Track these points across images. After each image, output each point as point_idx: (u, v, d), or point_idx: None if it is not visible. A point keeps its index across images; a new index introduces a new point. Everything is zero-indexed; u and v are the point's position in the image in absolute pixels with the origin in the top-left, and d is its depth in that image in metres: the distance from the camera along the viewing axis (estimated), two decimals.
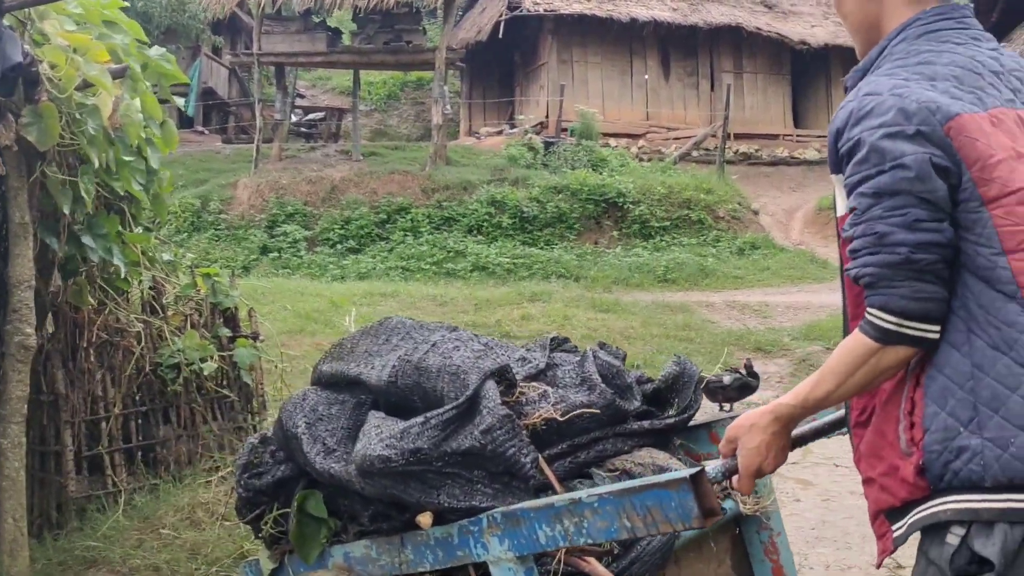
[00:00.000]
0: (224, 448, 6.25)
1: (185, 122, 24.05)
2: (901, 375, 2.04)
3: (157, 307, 6.20)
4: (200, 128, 25.27)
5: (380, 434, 2.86)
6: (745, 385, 9.26)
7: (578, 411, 2.94)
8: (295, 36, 20.52)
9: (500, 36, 24.68)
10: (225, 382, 6.46)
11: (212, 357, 6.18)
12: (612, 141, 23.75)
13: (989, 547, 1.89)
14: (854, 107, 2.04)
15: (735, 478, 2.33)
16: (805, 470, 7.12)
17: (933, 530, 1.99)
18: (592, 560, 2.75)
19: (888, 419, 2.07)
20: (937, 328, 1.97)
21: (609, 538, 2.52)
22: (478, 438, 2.73)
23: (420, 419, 2.83)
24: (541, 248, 17.75)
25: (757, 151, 25.30)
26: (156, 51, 5.74)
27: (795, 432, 2.36)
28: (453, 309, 12.36)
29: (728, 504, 3.15)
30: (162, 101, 5.80)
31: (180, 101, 6.81)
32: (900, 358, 2.00)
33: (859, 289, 2.06)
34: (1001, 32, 9.20)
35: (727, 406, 9.33)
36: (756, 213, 20.93)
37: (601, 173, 20.15)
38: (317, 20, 21.09)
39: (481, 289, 14.32)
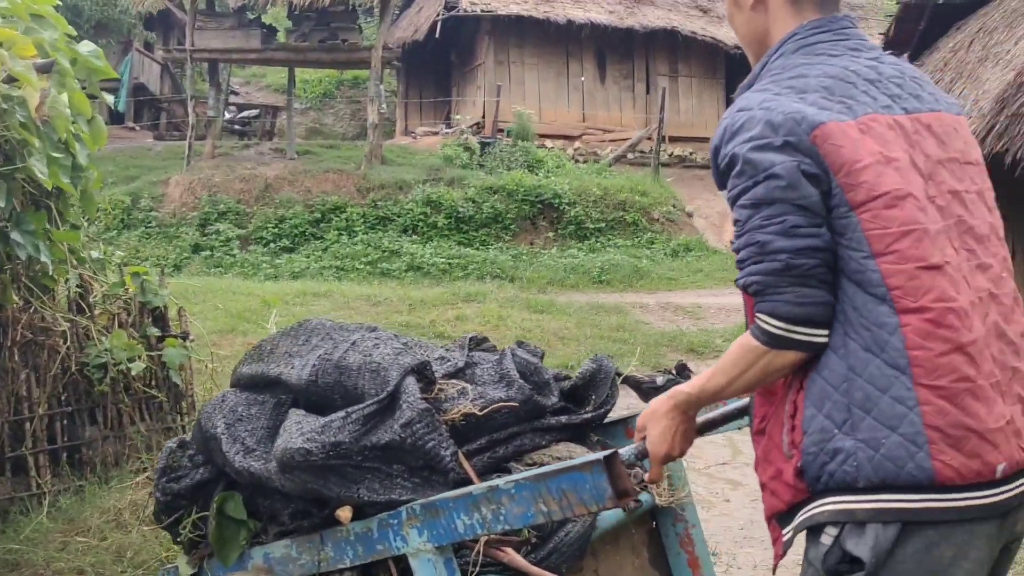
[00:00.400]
0: (152, 449, 6.16)
1: (115, 118, 23.70)
2: (788, 384, 2.09)
3: (84, 306, 6.09)
4: (131, 124, 24.92)
5: (301, 429, 2.86)
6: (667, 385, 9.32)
7: (496, 406, 2.98)
8: (229, 32, 20.31)
9: (437, 36, 24.64)
10: (154, 382, 6.36)
11: (140, 357, 6.08)
12: (548, 142, 23.80)
13: (860, 546, 1.93)
14: (728, 123, 2.07)
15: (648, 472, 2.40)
16: (735, 470, 7.19)
17: (812, 531, 2.03)
18: (510, 551, 2.78)
19: (776, 423, 2.11)
20: (824, 332, 2.00)
21: (525, 523, 2.56)
22: (398, 432, 2.76)
23: (341, 414, 2.84)
24: (476, 248, 17.74)
25: (692, 154, 25.49)
26: (86, 46, 5.64)
27: (702, 418, 2.42)
28: (387, 309, 12.31)
29: (644, 497, 3.19)
30: (91, 97, 5.71)
31: (110, 98, 6.70)
32: (789, 361, 2.03)
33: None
34: (928, 40, 9.36)
35: None
36: (690, 215, 21.11)
37: (537, 174, 20.20)
38: (252, 17, 20.90)
39: (416, 289, 14.27)
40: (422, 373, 2.99)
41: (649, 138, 24.26)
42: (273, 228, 17.76)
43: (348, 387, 3.00)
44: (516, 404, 3.02)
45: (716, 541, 5.49)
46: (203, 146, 20.70)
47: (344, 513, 2.84)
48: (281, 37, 21.81)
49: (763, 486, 2.16)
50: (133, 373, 6.02)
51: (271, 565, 3.02)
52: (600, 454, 2.36)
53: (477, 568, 2.73)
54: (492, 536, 2.72)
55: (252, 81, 32.99)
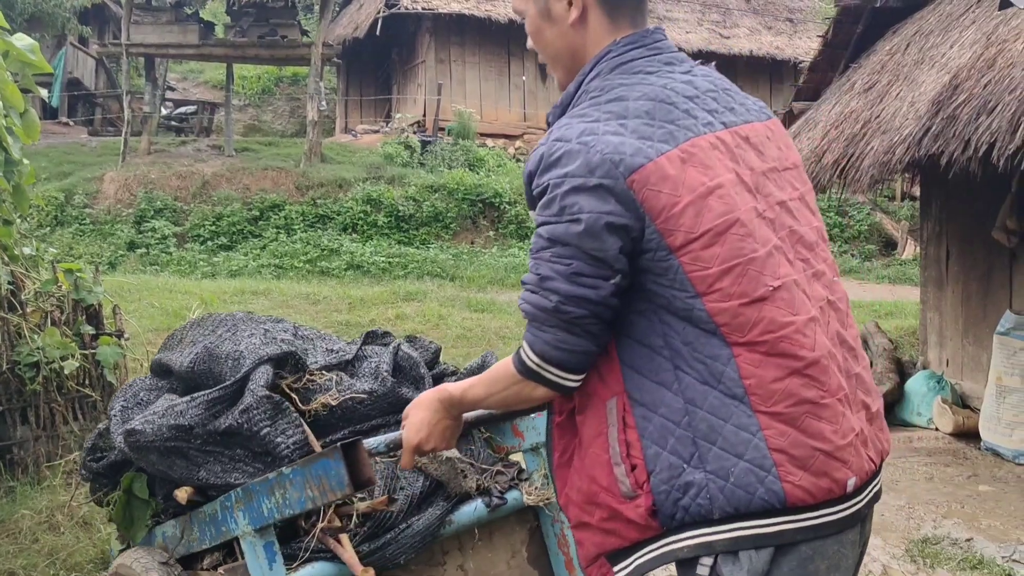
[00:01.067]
0: None
1: (49, 113, 23.32)
2: (602, 422, 2.03)
3: (16, 303, 5.97)
4: (65, 120, 24.53)
5: (149, 411, 3.01)
6: None
7: (347, 396, 3.07)
8: (166, 27, 20.05)
9: (378, 33, 24.51)
10: (87, 381, 6.26)
11: (74, 355, 5.97)
12: (489, 141, 23.80)
13: (737, 573, 1.91)
14: (544, 152, 2.02)
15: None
16: None
17: (684, 564, 1.98)
18: (344, 540, 2.83)
19: (597, 464, 2.04)
20: (576, 378, 2.01)
21: (302, 508, 2.63)
22: (236, 418, 2.86)
23: (187, 398, 2.96)
24: (417, 247, 17.68)
25: None
26: (20, 40, 5.52)
27: (472, 415, 2.42)
28: (327, 308, 12.22)
29: (514, 495, 3.20)
30: (24, 90, 5.60)
31: (43, 91, 6.57)
32: (540, 395, 2.05)
33: None
34: (866, 43, 9.46)
35: None
36: None
37: (478, 173, 20.18)
38: (189, 11, 20.66)
39: (355, 288, 14.19)
40: (287, 363, 3.10)
41: None
42: (211, 226, 17.56)
43: (216, 374, 3.11)
44: (364, 396, 3.08)
45: None
46: (139, 142, 20.42)
47: (181, 493, 2.94)
48: (219, 32, 21.58)
49: (584, 526, 2.10)
50: (66, 372, 5.91)
51: (167, 543, 3.13)
52: (342, 442, 2.45)
53: (307, 553, 2.81)
54: (325, 524, 2.82)
55: (189, 77, 32.62)
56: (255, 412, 2.87)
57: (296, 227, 17.71)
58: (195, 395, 2.96)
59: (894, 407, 8.47)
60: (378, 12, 24.44)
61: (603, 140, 1.93)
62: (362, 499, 2.91)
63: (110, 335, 6.46)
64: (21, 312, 5.96)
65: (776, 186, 2.05)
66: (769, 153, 2.08)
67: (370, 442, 2.52)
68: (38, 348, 5.82)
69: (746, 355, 1.89)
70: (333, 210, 18.19)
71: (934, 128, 6.77)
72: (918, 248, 15.66)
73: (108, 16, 27.34)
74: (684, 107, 2.01)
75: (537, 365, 2.01)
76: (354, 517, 2.89)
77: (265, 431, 2.86)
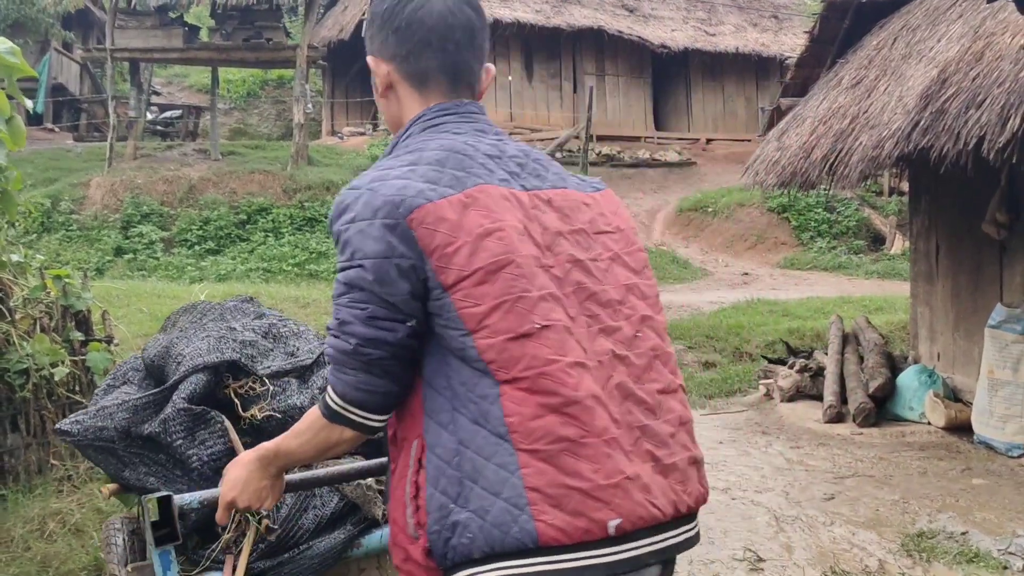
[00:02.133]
0: (76, 456, 6.02)
1: (34, 119, 23.22)
2: (406, 464, 2.06)
3: (4, 310, 5.92)
4: (50, 125, 24.44)
5: (92, 407, 3.10)
6: None
7: (267, 413, 3.09)
8: (150, 31, 20.00)
9: (363, 35, 24.47)
10: (78, 387, 6.21)
11: (63, 362, 5.93)
12: None
13: None
14: (339, 200, 2.07)
15: None
16: None
17: None
18: (243, 554, 2.83)
19: (397, 505, 2.08)
20: (379, 418, 2.06)
21: None
22: (155, 427, 2.92)
23: (119, 401, 3.02)
24: None
25: (619, 153, 25.63)
26: (1, 44, 5.48)
27: (295, 476, 2.48)
28: (316, 310, 12.18)
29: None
30: (8, 97, 5.55)
31: (28, 103, 6.53)
32: (347, 437, 2.09)
33: None
34: (853, 38, 9.47)
35: None
36: None
37: None
38: (174, 15, 20.59)
39: None
40: (230, 369, 3.15)
41: (577, 137, 24.33)
42: (198, 230, 17.52)
43: (165, 372, 3.17)
44: (279, 415, 3.07)
45: None
46: (125, 147, 20.36)
47: (104, 490, 3.04)
48: (204, 36, 21.53)
49: (396, 566, 2.11)
50: (56, 378, 5.87)
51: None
52: (157, 495, 2.47)
53: (207, 563, 2.83)
54: (229, 536, 2.85)
55: (174, 81, 32.53)
56: (172, 424, 2.91)
57: (284, 230, 17.68)
58: (127, 399, 3.03)
59: (886, 402, 8.48)
60: (363, 13, 24.40)
61: (388, 184, 1.99)
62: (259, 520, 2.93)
63: (100, 341, 6.42)
64: (10, 319, 5.92)
65: (575, 246, 2.09)
66: (578, 217, 2.13)
67: (183, 498, 2.55)
68: (27, 355, 5.78)
69: (510, 393, 1.91)
70: (321, 213, 18.15)
71: (923, 122, 6.78)
72: (907, 243, 15.69)
73: (92, 21, 27.24)
74: (481, 161, 2.07)
75: (340, 407, 2.05)
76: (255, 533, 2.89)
77: (179, 443, 2.91)
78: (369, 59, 2.34)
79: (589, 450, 1.90)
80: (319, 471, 2.62)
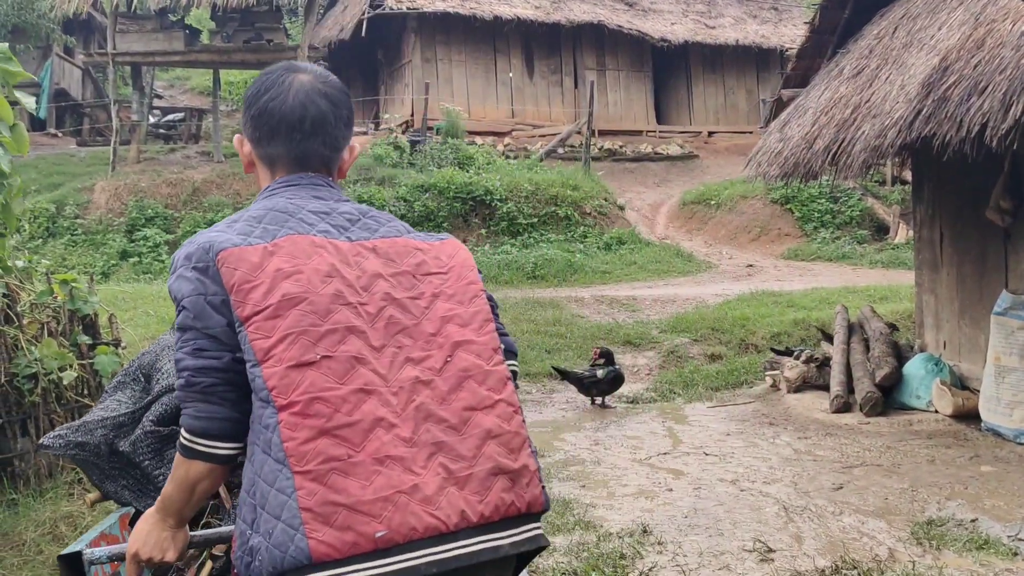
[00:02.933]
0: None
1: (37, 125, 23.24)
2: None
3: (12, 315, 5.95)
4: (53, 131, 24.45)
5: (80, 420, 3.25)
6: (617, 377, 9.39)
7: None
8: (151, 35, 20.00)
9: (363, 34, 24.49)
10: (86, 391, 6.24)
11: (71, 365, 5.95)
12: (478, 139, 23.78)
13: None
14: (172, 258, 2.31)
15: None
16: (676, 459, 7.23)
17: None
18: None
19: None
20: (226, 445, 2.18)
21: None
22: (126, 447, 3.02)
23: (99, 417, 3.10)
24: None
25: (621, 147, 25.62)
26: None
27: (196, 535, 2.53)
28: None
29: None
30: (12, 103, 5.56)
31: (31, 101, 6.54)
32: (201, 471, 2.20)
33: None
34: (853, 28, 9.46)
35: (599, 400, 9.44)
36: (622, 209, 21.20)
37: (468, 171, 20.16)
38: (174, 18, 20.60)
39: None
40: None
41: (578, 132, 24.34)
42: None
43: (150, 384, 3.28)
44: None
45: (661, 531, 5.52)
46: (128, 151, 20.38)
47: (87, 498, 3.18)
48: (204, 39, 21.52)
49: None
50: (65, 382, 5.90)
51: None
52: (69, 549, 2.59)
53: None
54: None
55: (176, 84, 32.54)
56: (139, 445, 3.02)
57: None
58: (107, 416, 3.11)
59: (892, 391, 8.48)
60: (363, 13, 24.43)
61: (204, 236, 2.26)
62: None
63: (107, 344, 6.44)
64: (18, 324, 5.94)
65: (395, 286, 2.30)
66: (405, 261, 2.35)
67: (94, 552, 2.57)
68: (36, 359, 5.81)
69: (287, 419, 2.05)
70: None
71: (925, 110, 6.77)
72: (910, 232, 15.68)
73: (93, 26, 27.24)
74: (301, 216, 2.31)
75: (188, 440, 2.18)
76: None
77: (147, 463, 3.03)
78: (236, 136, 2.58)
79: (359, 468, 2.05)
80: (223, 529, 2.65)
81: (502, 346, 2.41)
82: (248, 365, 2.12)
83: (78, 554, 2.52)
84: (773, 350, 10.54)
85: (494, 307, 2.54)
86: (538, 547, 2.26)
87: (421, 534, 2.05)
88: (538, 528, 2.26)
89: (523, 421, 2.31)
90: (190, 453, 2.19)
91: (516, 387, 2.42)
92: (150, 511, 2.35)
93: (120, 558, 2.51)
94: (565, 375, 9.68)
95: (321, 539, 1.99)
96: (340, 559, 2.00)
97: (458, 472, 2.14)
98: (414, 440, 2.12)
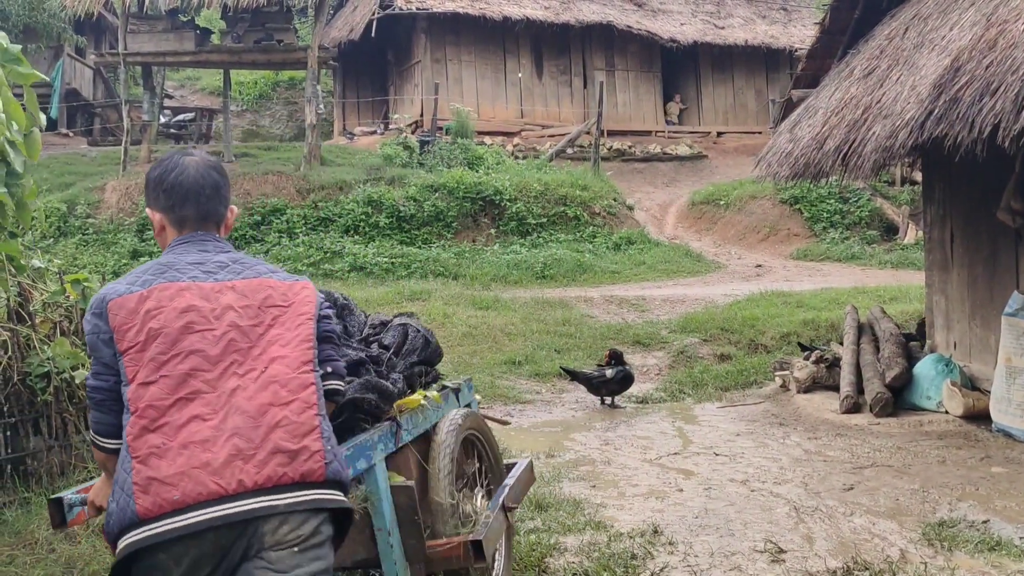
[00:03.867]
0: None
1: (48, 125, 23.23)
2: None
3: (24, 315, 5.97)
4: (64, 130, 24.52)
5: None
6: (627, 377, 9.40)
7: None
8: (162, 35, 20.04)
9: (373, 35, 24.51)
10: None
11: (84, 364, 5.97)
12: (487, 139, 23.79)
13: (136, 568, 2.82)
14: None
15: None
16: (687, 460, 7.23)
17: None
18: None
19: None
20: (110, 441, 3.02)
21: None
22: None
23: None
24: (419, 247, 17.68)
25: (630, 147, 25.61)
26: (7, 46, 5.51)
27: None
28: None
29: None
30: (24, 109, 5.58)
31: (43, 117, 6.54)
32: (102, 457, 3.09)
33: None
34: (864, 28, 9.45)
35: (608, 400, 9.45)
36: (631, 209, 21.19)
37: (477, 171, 20.18)
38: (185, 19, 20.63)
39: (360, 289, 14.19)
40: None
41: (587, 132, 24.34)
42: None
43: None
44: None
45: (672, 531, 5.52)
46: (139, 151, 20.42)
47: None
48: (215, 39, 21.56)
49: None
50: (77, 381, 5.91)
51: None
52: (53, 496, 3.56)
53: None
54: None
55: (187, 84, 32.61)
56: None
57: (298, 230, 17.72)
58: None
59: (903, 391, 8.47)
60: (373, 13, 24.45)
61: (109, 287, 3.06)
62: None
63: None
64: (30, 323, 5.96)
65: (241, 316, 3.04)
66: (256, 296, 3.10)
67: (72, 497, 3.57)
68: (48, 359, 5.82)
69: (132, 420, 2.85)
70: (334, 212, 18.19)
71: (936, 111, 6.76)
72: (920, 232, 15.65)
73: (104, 26, 27.32)
74: (177, 267, 3.09)
75: (92, 437, 3.09)
76: None
77: None
78: (147, 210, 3.32)
79: (170, 453, 2.80)
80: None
81: (314, 360, 3.08)
82: (122, 385, 2.91)
83: (60, 498, 3.52)
84: (800, 344, 10.54)
85: (335, 337, 3.34)
86: (333, 509, 2.96)
87: (206, 497, 2.77)
88: (321, 494, 2.91)
89: (318, 415, 2.98)
90: (93, 445, 3.11)
91: (337, 402, 3.34)
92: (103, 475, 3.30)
93: (85, 502, 3.45)
94: (574, 375, 9.68)
95: (142, 504, 2.76)
96: (153, 517, 2.75)
97: (246, 451, 2.84)
98: (220, 428, 2.85)
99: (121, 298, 2.98)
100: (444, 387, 4.71)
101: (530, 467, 4.97)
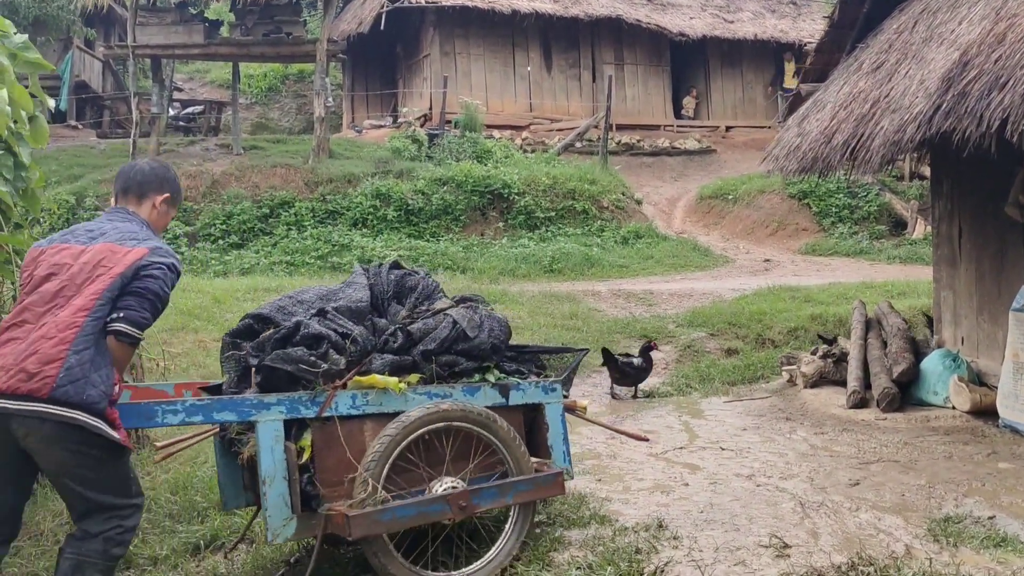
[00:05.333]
0: None
1: (57, 117, 23.35)
2: None
3: None
4: (73, 123, 24.55)
5: None
6: (646, 367, 9.56)
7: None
8: (171, 28, 20.08)
9: (382, 28, 24.49)
10: None
11: None
12: (496, 133, 23.77)
13: None
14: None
15: None
16: (692, 454, 7.22)
17: None
18: None
19: None
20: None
21: None
22: None
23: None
24: (427, 240, 17.69)
25: (639, 141, 25.57)
26: (17, 39, 5.52)
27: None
28: None
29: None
30: (31, 95, 5.60)
31: (51, 102, 6.56)
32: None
33: None
34: (873, 22, 9.42)
35: (619, 390, 9.50)
36: (639, 203, 21.17)
37: (486, 165, 20.16)
38: (194, 11, 20.66)
39: None
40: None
41: (596, 127, 24.30)
42: (221, 224, 17.59)
43: None
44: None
45: (677, 525, 5.51)
46: (148, 143, 20.45)
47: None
48: (224, 31, 21.58)
49: None
50: None
51: None
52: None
53: None
54: None
55: (196, 77, 32.65)
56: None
57: (306, 223, 17.73)
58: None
59: (910, 387, 8.45)
60: (381, 6, 24.42)
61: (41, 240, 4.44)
62: None
63: None
64: None
65: (80, 270, 4.10)
66: (95, 257, 4.14)
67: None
68: None
69: None
70: (343, 205, 18.20)
71: (945, 105, 6.74)
72: (928, 227, 15.60)
73: (113, 18, 27.36)
74: (76, 232, 4.32)
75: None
76: None
77: None
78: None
79: None
80: None
81: (93, 308, 3.99)
82: None
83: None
84: (820, 335, 10.50)
85: (145, 292, 4.12)
86: (65, 423, 3.90)
87: None
88: (47, 408, 3.86)
89: (68, 350, 3.89)
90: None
91: (122, 342, 4.07)
92: None
93: None
94: (606, 354, 9.65)
95: None
96: None
97: (7, 366, 3.91)
98: (14, 349, 3.95)
99: (34, 249, 4.27)
100: (464, 380, 5.07)
101: (547, 478, 5.11)
